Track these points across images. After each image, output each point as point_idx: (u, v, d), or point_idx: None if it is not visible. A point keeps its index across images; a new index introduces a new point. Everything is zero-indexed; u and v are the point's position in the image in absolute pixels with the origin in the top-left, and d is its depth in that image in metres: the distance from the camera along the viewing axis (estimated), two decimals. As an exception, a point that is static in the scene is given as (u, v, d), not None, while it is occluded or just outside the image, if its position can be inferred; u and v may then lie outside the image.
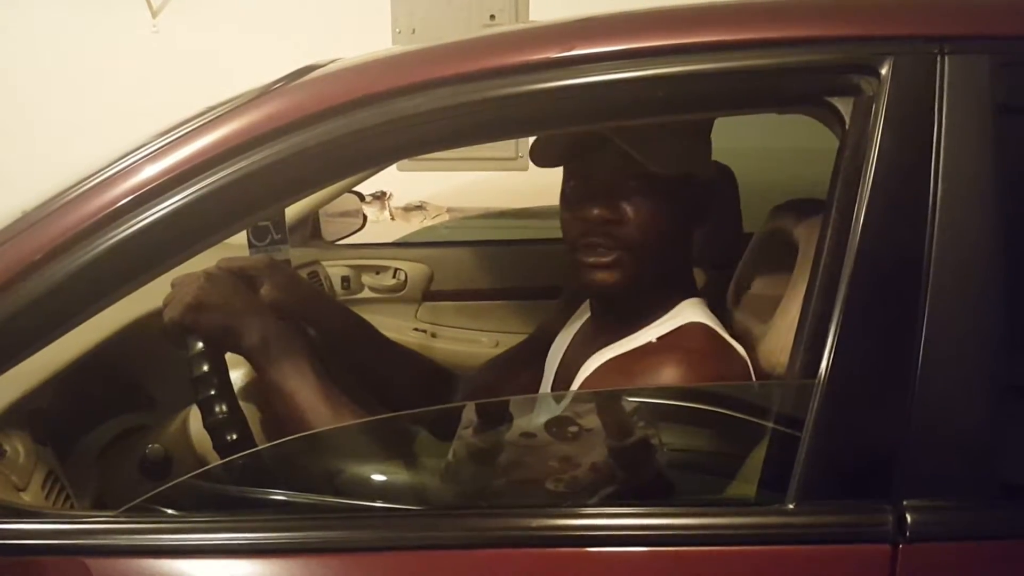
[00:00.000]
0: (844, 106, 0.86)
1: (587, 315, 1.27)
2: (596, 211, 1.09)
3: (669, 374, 1.02)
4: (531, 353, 1.36)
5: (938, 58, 0.84)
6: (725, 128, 1.24)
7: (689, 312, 1.13)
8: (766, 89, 0.89)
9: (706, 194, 1.15)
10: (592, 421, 1.05)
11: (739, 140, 1.67)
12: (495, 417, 1.10)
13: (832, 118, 0.87)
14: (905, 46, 0.85)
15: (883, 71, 0.84)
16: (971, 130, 0.83)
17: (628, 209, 1.08)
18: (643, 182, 1.08)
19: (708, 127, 1.19)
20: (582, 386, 1.11)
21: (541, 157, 1.16)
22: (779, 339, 1.02)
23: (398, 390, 1.37)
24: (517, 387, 1.33)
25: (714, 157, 1.24)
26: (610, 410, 1.03)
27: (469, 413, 1.15)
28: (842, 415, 0.83)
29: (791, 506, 0.83)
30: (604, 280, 1.10)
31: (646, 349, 1.10)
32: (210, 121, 0.91)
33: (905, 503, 0.82)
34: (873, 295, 0.83)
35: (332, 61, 1.05)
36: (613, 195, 1.09)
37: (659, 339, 1.11)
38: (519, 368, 1.37)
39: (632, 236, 1.09)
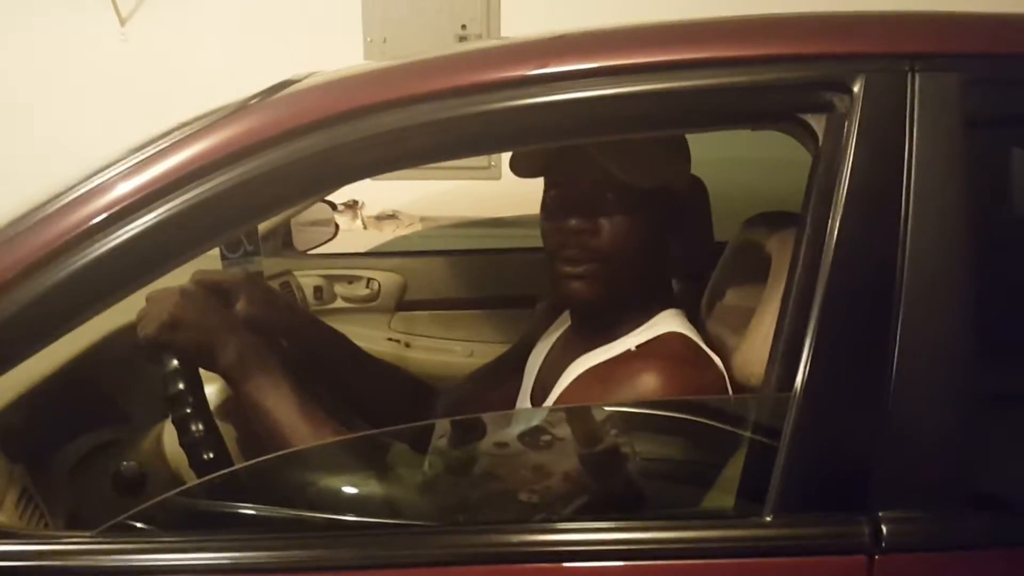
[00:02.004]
0: (817, 123, 0.87)
1: (567, 324, 1.28)
2: (573, 222, 1.10)
3: (648, 383, 1.03)
4: (511, 365, 1.37)
5: (909, 75, 0.86)
6: (696, 138, 1.25)
7: (668, 322, 1.14)
8: (739, 106, 0.90)
9: (682, 205, 1.16)
10: (570, 432, 1.05)
11: (709, 150, 1.68)
12: (473, 430, 1.10)
13: (805, 134, 0.88)
14: (877, 63, 0.87)
15: (855, 88, 0.85)
16: (942, 146, 0.85)
17: (604, 221, 1.10)
18: (620, 194, 1.09)
19: (684, 140, 1.20)
20: (562, 394, 1.12)
21: (521, 168, 1.17)
22: (754, 351, 1.03)
23: (375, 404, 1.37)
24: (497, 399, 1.33)
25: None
26: (588, 421, 1.03)
27: (445, 426, 1.15)
28: (817, 428, 0.85)
29: (768, 518, 0.84)
30: (580, 291, 1.11)
31: (625, 357, 1.11)
32: (185, 137, 0.91)
33: (881, 514, 0.83)
34: (847, 308, 0.85)
35: (308, 75, 1.05)
36: (590, 207, 1.10)
37: (638, 347, 1.12)
38: (499, 380, 1.37)
39: (607, 247, 1.10)
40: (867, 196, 0.85)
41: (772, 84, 0.88)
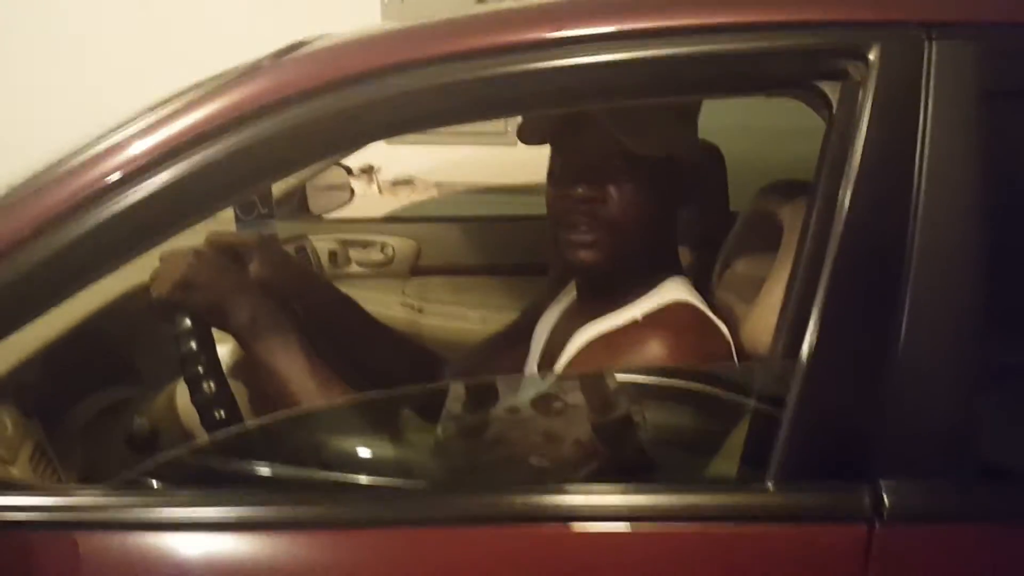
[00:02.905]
0: (832, 90, 0.86)
1: (573, 293, 1.28)
2: (580, 190, 1.09)
3: (654, 351, 1.04)
4: (518, 334, 1.37)
5: (926, 43, 0.84)
6: (714, 106, 1.25)
7: (674, 290, 1.14)
8: (754, 72, 0.89)
9: (691, 175, 1.16)
10: (576, 398, 1.06)
11: (728, 118, 1.67)
12: (482, 394, 1.11)
13: (820, 102, 0.87)
14: (893, 31, 0.85)
15: (871, 56, 0.84)
16: (958, 116, 0.84)
17: (611, 189, 1.09)
18: (627, 162, 1.08)
19: (695, 109, 1.20)
20: (569, 361, 1.12)
21: (528, 135, 1.16)
22: (762, 320, 1.03)
23: (384, 371, 1.38)
24: (505, 367, 1.34)
25: (703, 135, 1.24)
26: (594, 387, 1.04)
27: (457, 390, 1.16)
28: (822, 396, 0.85)
29: (770, 485, 0.84)
30: (585, 259, 1.11)
31: (631, 326, 1.11)
32: (199, 97, 0.91)
33: (883, 483, 0.84)
34: (855, 278, 0.84)
35: (320, 37, 1.04)
36: (597, 174, 1.09)
37: (644, 316, 1.12)
38: (506, 349, 1.38)
39: (614, 215, 1.09)
40: (880, 165, 0.84)
41: (787, 50, 0.86)
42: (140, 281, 1.16)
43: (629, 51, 0.86)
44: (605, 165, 1.09)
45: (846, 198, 0.83)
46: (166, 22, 2.70)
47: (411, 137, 0.95)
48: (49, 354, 1.18)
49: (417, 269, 2.26)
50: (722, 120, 1.59)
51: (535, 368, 1.26)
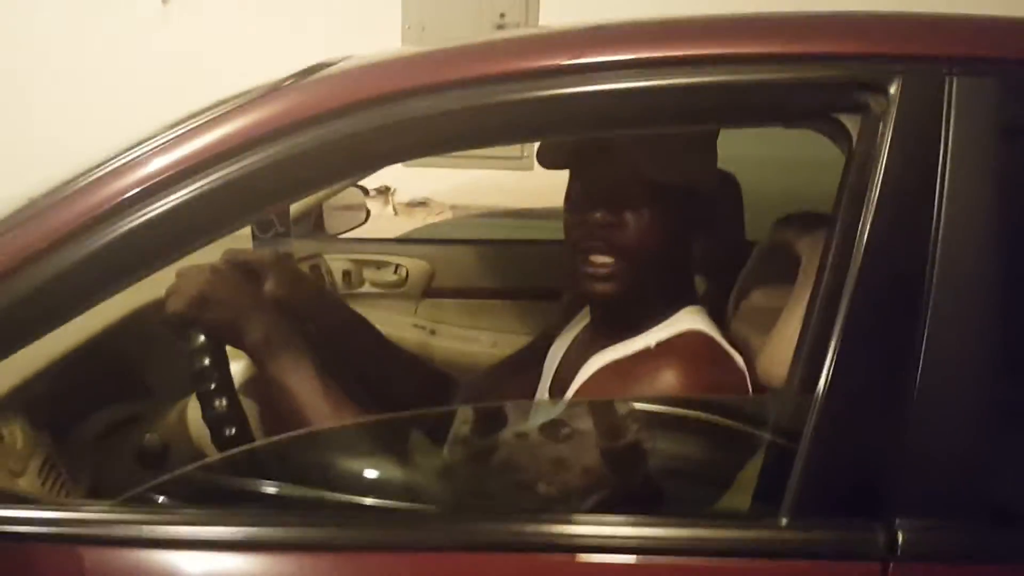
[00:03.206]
0: (851, 123, 0.86)
1: (587, 319, 1.28)
2: (598, 215, 1.09)
3: (667, 380, 1.03)
4: (531, 358, 1.37)
5: (946, 79, 0.84)
6: (731, 136, 1.25)
7: (688, 319, 1.13)
8: (774, 103, 0.89)
9: (708, 203, 1.16)
10: (587, 425, 1.05)
11: (745, 148, 1.67)
12: (491, 419, 1.10)
13: (839, 134, 0.87)
14: (914, 66, 0.85)
15: (891, 90, 0.84)
16: (977, 151, 0.84)
17: (629, 215, 1.09)
18: (645, 189, 1.08)
19: (714, 138, 1.19)
20: (580, 388, 1.12)
21: (547, 159, 1.16)
22: (778, 352, 1.02)
23: (396, 392, 1.38)
24: (516, 391, 1.33)
25: (720, 165, 1.24)
26: (604, 415, 1.03)
27: (465, 414, 1.15)
28: (838, 431, 0.84)
29: (784, 521, 0.83)
30: (601, 289, 1.11)
31: (645, 354, 1.11)
32: (219, 116, 0.92)
33: (897, 522, 0.82)
34: (874, 312, 0.84)
35: (342, 59, 1.05)
36: (615, 200, 1.09)
37: (658, 345, 1.11)
38: (518, 373, 1.37)
39: (631, 242, 1.09)
40: (899, 199, 0.84)
41: (808, 82, 0.86)
42: (155, 296, 1.16)
43: (649, 79, 0.86)
44: (624, 191, 1.09)
45: (865, 231, 0.83)
46: (190, 41, 2.73)
47: (428, 159, 0.96)
48: (61, 367, 1.18)
49: (430, 291, 2.26)
50: (738, 150, 1.59)
51: (546, 394, 1.25)
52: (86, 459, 1.19)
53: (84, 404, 1.26)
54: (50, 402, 1.15)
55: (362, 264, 2.26)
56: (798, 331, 0.88)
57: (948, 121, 0.84)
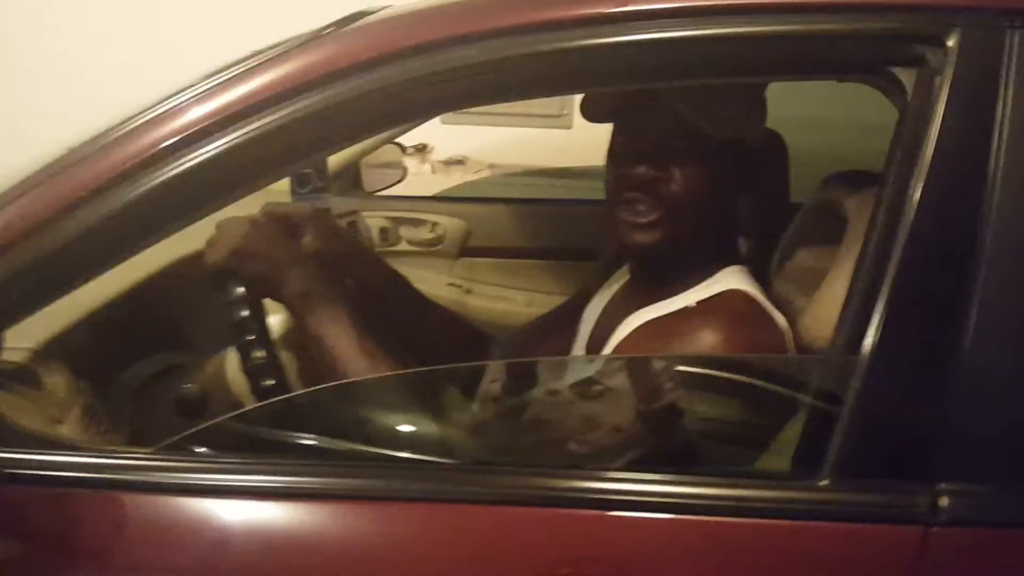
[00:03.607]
0: (907, 77, 0.83)
1: (625, 278, 1.27)
2: (642, 168, 1.08)
3: (707, 339, 1.02)
4: (567, 316, 1.36)
5: (1008, 32, 0.81)
6: (778, 95, 1.22)
7: (731, 279, 1.12)
8: (827, 55, 0.86)
9: (755, 161, 1.14)
10: (625, 383, 1.04)
11: (792, 107, 1.64)
12: (526, 375, 1.10)
13: (893, 89, 0.84)
14: (974, 18, 0.82)
15: (949, 43, 0.81)
16: (1038, 110, 0.81)
17: (675, 169, 1.07)
18: (692, 143, 1.06)
19: (762, 91, 1.17)
20: (618, 346, 1.11)
21: (592, 112, 1.15)
22: (823, 312, 1.01)
23: (432, 348, 1.38)
24: (551, 349, 1.33)
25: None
26: (644, 373, 1.03)
27: (500, 369, 1.15)
28: (883, 394, 0.82)
29: (824, 482, 0.82)
30: (643, 240, 1.10)
31: (685, 313, 1.09)
32: (259, 65, 0.91)
33: (940, 486, 0.81)
34: (924, 274, 0.82)
35: (382, 8, 1.04)
36: (661, 154, 1.08)
37: (699, 303, 1.10)
38: (554, 331, 1.37)
39: (676, 196, 1.08)
40: (955, 158, 0.81)
41: (862, 33, 0.84)
42: (195, 248, 1.17)
43: (697, 28, 0.84)
44: (669, 145, 1.07)
45: (917, 190, 0.80)
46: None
47: (465, 117, 0.95)
48: (102, 317, 1.20)
49: (466, 250, 2.26)
50: (786, 109, 1.56)
51: (583, 352, 1.24)
52: (126, 408, 1.21)
53: (125, 353, 1.27)
54: (91, 351, 1.17)
55: (399, 222, 2.26)
56: (844, 292, 0.87)
57: (1008, 77, 0.81)
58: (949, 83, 0.81)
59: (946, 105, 0.81)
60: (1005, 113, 0.81)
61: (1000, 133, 0.80)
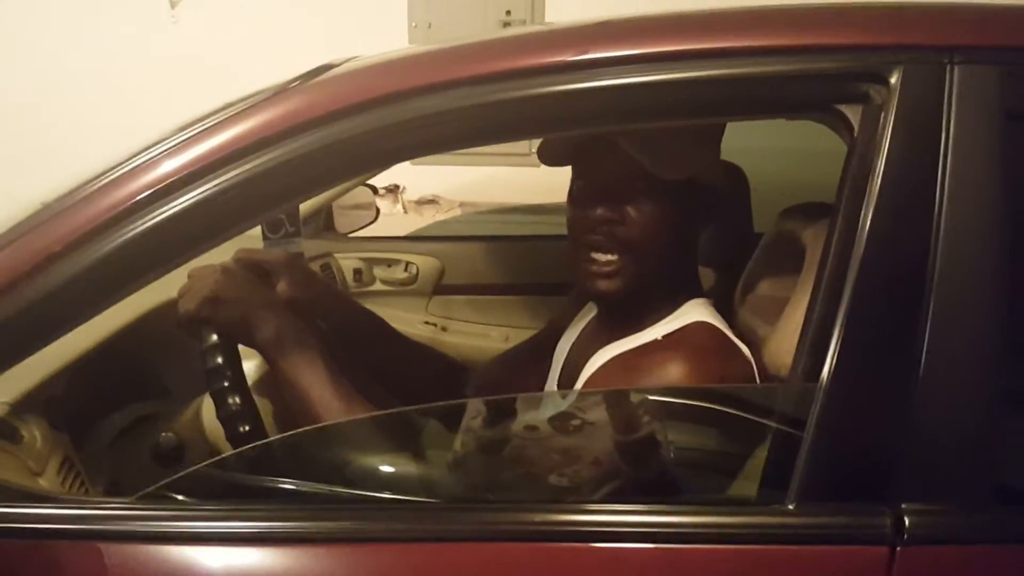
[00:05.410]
0: (853, 113, 0.86)
1: (594, 312, 1.29)
2: (600, 211, 1.10)
3: (674, 371, 1.04)
4: (539, 349, 1.38)
5: (947, 67, 0.85)
6: (738, 128, 1.25)
7: (695, 311, 1.14)
8: (776, 95, 0.89)
9: (712, 197, 1.16)
10: (596, 417, 1.06)
11: (754, 140, 1.68)
12: (501, 411, 1.11)
13: (841, 125, 0.88)
14: (915, 55, 0.85)
15: (892, 80, 0.85)
16: (979, 140, 0.84)
17: (631, 210, 1.10)
18: (648, 184, 1.09)
19: (717, 132, 1.20)
20: (587, 381, 1.13)
21: (548, 156, 1.17)
22: (784, 341, 1.03)
23: (409, 384, 1.39)
24: (525, 383, 1.34)
25: (727, 157, 1.25)
26: (614, 406, 1.04)
27: (475, 407, 1.17)
28: (843, 418, 0.84)
29: (791, 506, 0.84)
30: (606, 288, 1.12)
31: (652, 346, 1.12)
32: (228, 118, 0.93)
33: (904, 506, 0.83)
34: (877, 300, 0.84)
35: (349, 60, 1.06)
36: (618, 196, 1.10)
37: (665, 337, 1.12)
38: (527, 364, 1.38)
39: (635, 237, 1.10)
40: (901, 189, 0.84)
41: (809, 74, 0.87)
42: (168, 297, 1.18)
43: (651, 74, 0.87)
44: (626, 187, 1.09)
45: (867, 220, 0.83)
46: (197, 45, 2.75)
47: (436, 157, 0.97)
48: (78, 368, 1.20)
49: (441, 288, 2.28)
50: (747, 142, 1.60)
51: (555, 387, 1.26)
52: (104, 458, 1.20)
53: (101, 404, 1.27)
54: (68, 402, 1.17)
55: (372, 262, 2.28)
56: (803, 321, 0.89)
57: (950, 110, 0.84)
58: (893, 118, 0.84)
59: (891, 139, 0.84)
60: (948, 144, 0.84)
61: (944, 163, 0.84)
